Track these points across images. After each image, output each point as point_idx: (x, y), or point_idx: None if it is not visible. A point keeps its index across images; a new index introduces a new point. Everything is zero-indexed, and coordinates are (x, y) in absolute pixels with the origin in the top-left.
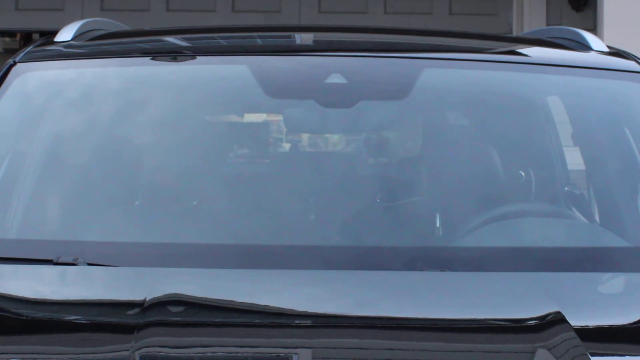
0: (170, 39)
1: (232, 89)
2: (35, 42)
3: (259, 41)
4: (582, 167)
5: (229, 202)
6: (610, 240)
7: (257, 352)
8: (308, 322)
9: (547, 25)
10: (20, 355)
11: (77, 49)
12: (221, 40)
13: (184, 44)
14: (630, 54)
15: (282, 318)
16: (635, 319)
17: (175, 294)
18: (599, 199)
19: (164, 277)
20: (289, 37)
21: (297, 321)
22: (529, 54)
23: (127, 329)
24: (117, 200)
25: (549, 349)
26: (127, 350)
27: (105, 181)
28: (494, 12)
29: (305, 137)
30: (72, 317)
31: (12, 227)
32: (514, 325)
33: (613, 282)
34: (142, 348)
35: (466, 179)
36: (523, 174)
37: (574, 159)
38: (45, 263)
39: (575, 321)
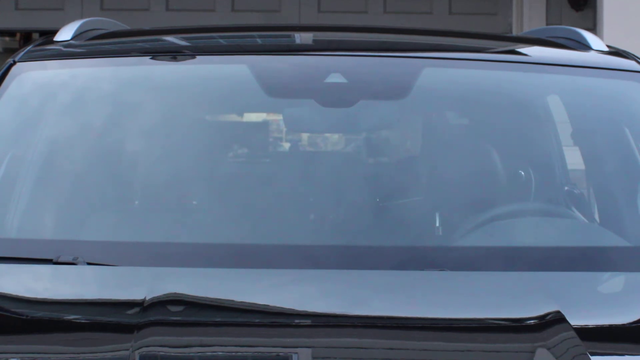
0: (170, 38)
1: (232, 88)
2: (35, 42)
3: (259, 41)
4: (582, 166)
5: (228, 201)
6: (610, 239)
7: (257, 352)
8: (308, 321)
9: (547, 25)
10: (20, 355)
11: (77, 49)
12: (221, 40)
13: (183, 43)
14: (630, 53)
15: (282, 318)
16: (635, 319)
17: (174, 293)
18: (599, 198)
19: (164, 277)
20: (289, 36)
21: (297, 321)
22: (529, 54)
23: (127, 329)
24: (116, 200)
25: (548, 349)
26: (127, 349)
27: (105, 180)
28: (494, 11)
29: (305, 136)
30: (71, 317)
31: (12, 226)
32: (513, 324)
33: (613, 282)
34: (141, 348)
35: (466, 179)
36: (523, 173)
37: (574, 159)
38: (45, 262)
39: (575, 321)
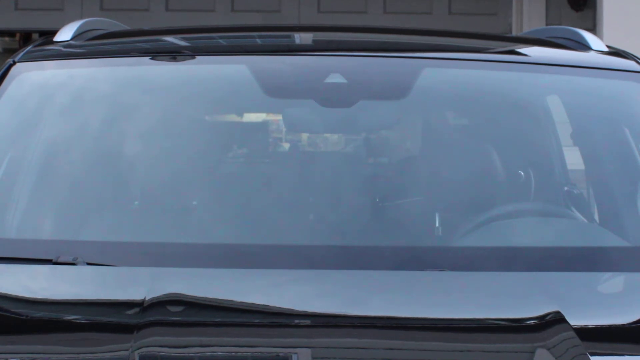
0: (170, 38)
1: (232, 88)
2: (35, 42)
3: (258, 41)
4: (582, 166)
5: (228, 202)
6: (610, 239)
7: (256, 352)
8: (308, 321)
9: (547, 25)
10: (20, 355)
11: (77, 49)
12: (220, 40)
13: (183, 43)
14: (629, 53)
15: (282, 318)
16: (635, 319)
17: (174, 293)
18: (599, 198)
19: (164, 277)
20: (289, 36)
21: (297, 321)
22: (528, 54)
23: (127, 329)
24: (116, 200)
25: (548, 349)
26: (127, 350)
27: (105, 181)
28: (494, 11)
29: (304, 136)
30: (71, 317)
31: (11, 226)
32: (513, 325)
33: (612, 282)
34: (141, 348)
35: (466, 179)
36: (522, 173)
37: (574, 159)
38: (45, 263)
39: (575, 321)
